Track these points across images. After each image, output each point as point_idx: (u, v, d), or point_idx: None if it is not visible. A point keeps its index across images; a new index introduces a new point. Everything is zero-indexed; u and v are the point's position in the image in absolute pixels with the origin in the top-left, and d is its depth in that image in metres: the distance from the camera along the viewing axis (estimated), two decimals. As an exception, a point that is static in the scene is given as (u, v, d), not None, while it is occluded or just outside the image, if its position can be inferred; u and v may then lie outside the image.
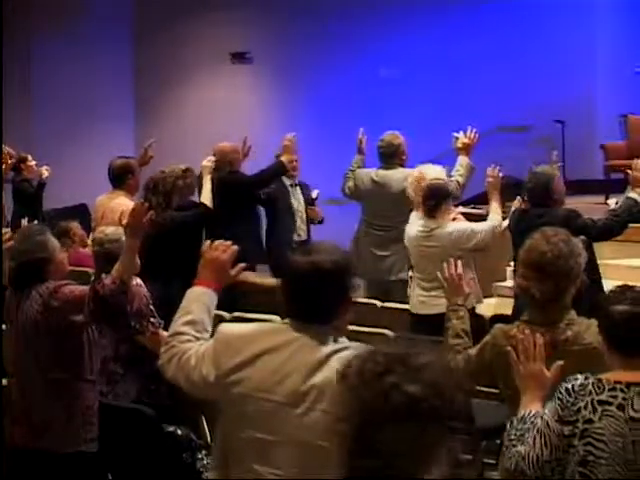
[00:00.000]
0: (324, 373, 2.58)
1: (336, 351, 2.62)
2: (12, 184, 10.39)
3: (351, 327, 5.59)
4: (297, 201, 8.56)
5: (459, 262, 4.07)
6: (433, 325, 5.27)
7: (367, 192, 7.71)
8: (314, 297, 2.66)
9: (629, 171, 6.10)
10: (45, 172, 10.53)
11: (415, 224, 6.44)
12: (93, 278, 4.35)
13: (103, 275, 4.30)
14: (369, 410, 1.67)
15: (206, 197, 6.91)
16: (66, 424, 4.19)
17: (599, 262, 6.95)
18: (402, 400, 1.66)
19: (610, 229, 5.95)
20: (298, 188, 8.58)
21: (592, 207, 8.99)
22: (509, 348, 3.23)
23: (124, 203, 6.84)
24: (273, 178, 7.73)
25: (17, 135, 11.07)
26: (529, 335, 3.21)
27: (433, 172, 6.74)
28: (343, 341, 2.67)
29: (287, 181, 8.34)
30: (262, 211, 8.34)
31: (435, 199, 6.28)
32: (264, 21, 13.42)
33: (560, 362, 3.13)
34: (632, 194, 5.98)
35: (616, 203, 6.40)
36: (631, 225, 6.40)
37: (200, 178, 7.23)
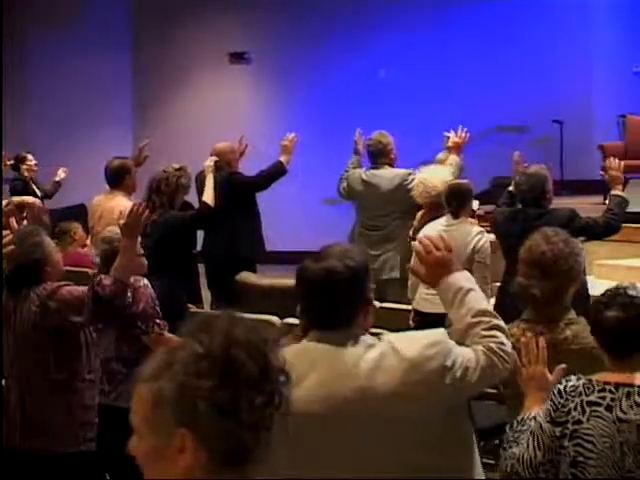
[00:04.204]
0: (355, 381, 2.57)
1: (363, 354, 2.61)
2: (8, 184, 10.45)
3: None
4: None
5: None
6: (437, 323, 5.27)
7: (358, 192, 7.72)
8: (330, 304, 2.61)
9: (602, 173, 6.21)
10: (62, 174, 10.60)
11: (438, 223, 6.41)
12: (97, 278, 4.34)
13: (102, 276, 4.31)
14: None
15: (208, 196, 6.89)
16: (65, 424, 4.19)
17: (598, 262, 6.96)
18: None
19: (613, 226, 6.03)
20: None
21: (590, 207, 8.98)
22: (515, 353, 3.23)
23: (122, 203, 6.84)
24: (273, 179, 7.72)
25: (16, 136, 11.08)
26: (532, 337, 3.22)
27: (439, 172, 6.73)
28: (364, 340, 2.63)
29: None
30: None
31: (457, 200, 6.30)
32: (262, 21, 13.42)
33: (563, 365, 3.15)
34: (615, 191, 6.06)
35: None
36: (631, 225, 6.43)
37: (202, 177, 7.24)
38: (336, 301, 2.60)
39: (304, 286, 2.66)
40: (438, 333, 2.65)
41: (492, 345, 2.71)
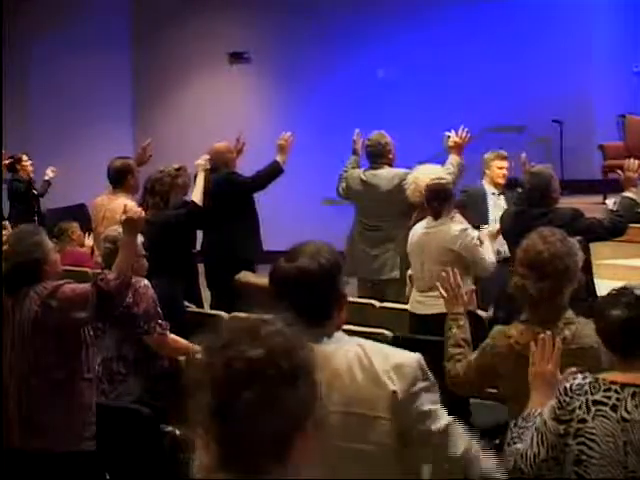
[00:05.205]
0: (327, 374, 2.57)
1: (335, 352, 2.59)
2: (7, 184, 10.49)
3: (349, 327, 5.60)
4: (499, 212, 7.24)
5: (457, 271, 4.06)
6: (432, 325, 5.27)
7: (357, 192, 7.72)
8: (304, 303, 2.56)
9: (619, 172, 6.18)
10: (51, 173, 10.63)
11: (420, 225, 6.39)
12: (100, 274, 4.37)
13: (106, 271, 4.36)
14: (219, 382, 1.71)
15: (197, 194, 6.94)
16: (66, 423, 4.19)
17: (598, 262, 6.96)
18: (243, 366, 1.70)
19: (618, 228, 6.02)
20: (503, 198, 7.66)
21: (590, 207, 8.98)
22: (533, 348, 3.23)
23: (125, 203, 6.84)
24: (270, 179, 7.70)
25: (15, 135, 11.07)
26: (550, 337, 3.22)
27: (433, 172, 6.72)
28: (340, 337, 2.63)
29: (490, 189, 7.68)
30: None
31: (438, 200, 6.23)
32: (262, 21, 13.42)
33: (573, 369, 3.14)
34: (627, 193, 6.05)
35: (614, 203, 6.42)
36: (632, 225, 6.42)
37: (195, 177, 7.26)
38: (309, 300, 2.58)
39: (277, 285, 2.65)
40: (414, 357, 2.60)
41: (468, 443, 2.65)
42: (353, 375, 2.54)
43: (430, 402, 2.58)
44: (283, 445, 1.72)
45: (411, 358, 2.59)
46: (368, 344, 2.62)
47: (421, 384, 2.57)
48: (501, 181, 7.68)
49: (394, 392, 2.53)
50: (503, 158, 7.77)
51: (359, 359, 2.56)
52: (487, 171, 7.77)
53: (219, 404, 1.70)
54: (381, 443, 2.54)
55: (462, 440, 2.63)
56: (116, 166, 7.11)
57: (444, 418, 2.61)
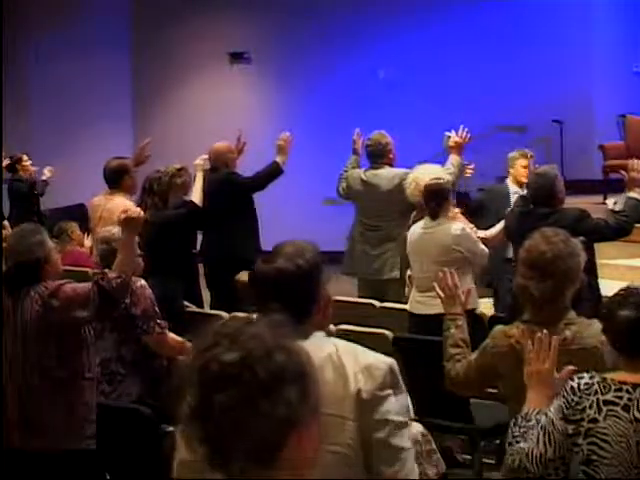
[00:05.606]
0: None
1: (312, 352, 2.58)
2: (7, 184, 10.50)
3: (350, 327, 5.61)
4: None
5: (454, 272, 4.06)
6: (432, 325, 5.26)
7: (357, 192, 7.71)
8: (282, 305, 2.52)
9: (623, 172, 6.18)
10: (48, 173, 10.64)
11: (418, 226, 6.39)
12: (99, 273, 4.37)
13: (106, 270, 4.36)
14: (195, 384, 1.72)
15: (196, 195, 6.95)
16: (66, 422, 4.19)
17: (599, 262, 6.95)
18: (217, 369, 1.70)
19: (624, 228, 6.02)
20: None
21: (591, 207, 8.97)
22: (530, 345, 3.22)
23: (123, 204, 6.83)
24: (269, 180, 7.70)
25: (15, 135, 11.07)
26: (547, 335, 3.21)
27: (432, 171, 6.71)
28: (318, 337, 2.59)
29: (513, 188, 7.62)
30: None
31: (436, 200, 6.23)
32: (263, 21, 13.42)
33: (572, 367, 3.14)
34: (632, 194, 6.04)
35: (614, 203, 6.42)
36: (635, 225, 6.43)
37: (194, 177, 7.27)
38: (287, 301, 2.55)
39: (256, 286, 2.64)
40: (387, 361, 2.56)
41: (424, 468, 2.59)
42: (324, 375, 2.49)
43: (396, 412, 2.50)
44: (269, 448, 1.70)
45: (383, 362, 2.54)
46: (342, 344, 2.59)
47: (389, 390, 2.50)
48: (525, 180, 7.67)
49: (359, 390, 2.48)
50: (527, 157, 7.77)
51: (331, 359, 2.53)
52: (511, 170, 7.79)
53: (196, 406, 1.71)
54: (350, 445, 2.49)
55: (413, 474, 2.53)
56: (112, 166, 7.09)
57: (407, 440, 2.52)
